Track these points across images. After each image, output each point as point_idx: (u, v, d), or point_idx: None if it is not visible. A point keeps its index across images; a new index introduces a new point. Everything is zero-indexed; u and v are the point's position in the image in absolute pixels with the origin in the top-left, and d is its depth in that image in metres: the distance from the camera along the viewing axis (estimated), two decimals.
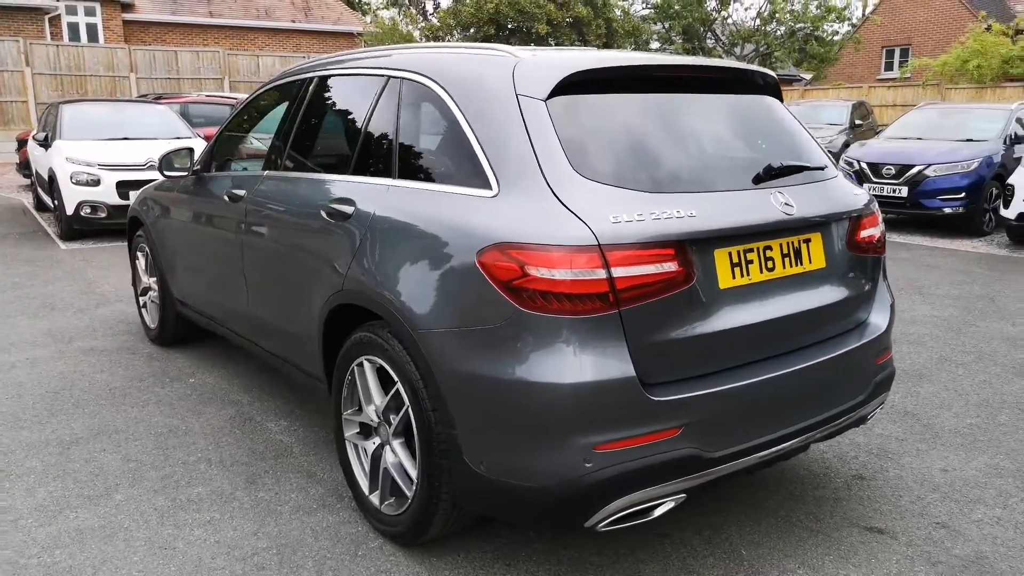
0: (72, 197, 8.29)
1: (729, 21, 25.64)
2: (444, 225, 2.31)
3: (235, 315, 3.68)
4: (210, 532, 2.71)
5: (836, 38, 25.82)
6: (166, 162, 3.98)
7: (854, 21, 24.80)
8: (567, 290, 2.01)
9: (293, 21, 26.58)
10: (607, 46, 22.32)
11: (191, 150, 4.02)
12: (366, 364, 2.63)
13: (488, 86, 2.41)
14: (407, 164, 2.62)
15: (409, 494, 2.49)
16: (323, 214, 2.83)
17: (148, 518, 2.80)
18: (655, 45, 24.95)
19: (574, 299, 2.01)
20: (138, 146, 8.79)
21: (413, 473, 2.46)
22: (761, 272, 2.31)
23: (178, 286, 4.35)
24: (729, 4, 24.94)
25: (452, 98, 2.48)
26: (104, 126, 9.27)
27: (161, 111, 9.96)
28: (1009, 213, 8.52)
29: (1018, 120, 10.44)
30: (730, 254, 2.24)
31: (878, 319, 2.72)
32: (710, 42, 25.73)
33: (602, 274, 2.01)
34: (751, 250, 2.29)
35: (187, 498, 2.95)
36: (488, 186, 2.26)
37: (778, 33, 25.00)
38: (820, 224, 2.49)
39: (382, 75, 2.88)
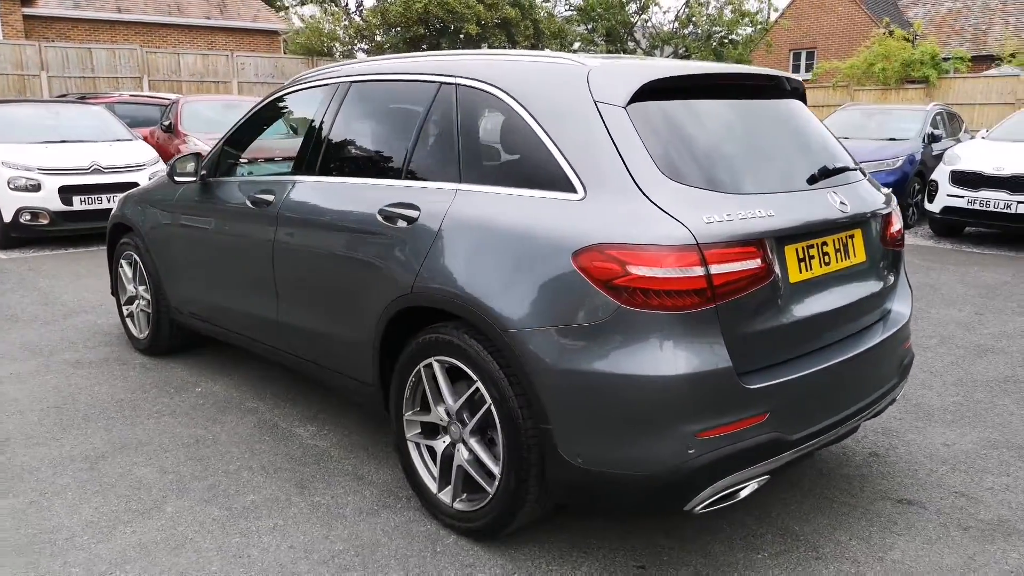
0: (10, 203, 7.86)
1: (649, 24, 26.34)
2: (531, 227, 2.39)
3: (259, 323, 3.64)
4: (280, 538, 2.71)
5: (748, 39, 26.83)
6: (177, 167, 3.88)
7: (765, 26, 25.84)
8: (669, 287, 2.14)
9: (207, 18, 25.76)
10: (534, 47, 22.59)
11: (198, 155, 3.93)
12: (435, 365, 2.69)
13: (562, 93, 2.51)
14: (473, 169, 2.69)
15: (490, 489, 2.56)
16: (379, 218, 2.87)
17: (209, 528, 2.77)
18: (577, 46, 25.38)
19: (674, 295, 2.14)
20: (78, 149, 8.41)
21: (494, 469, 2.53)
22: (820, 266, 2.50)
23: (179, 294, 4.25)
24: (648, 8, 25.62)
25: (522, 105, 2.57)
26: (38, 128, 8.80)
27: (97, 112, 9.54)
28: (934, 207, 9.16)
29: (933, 120, 11.22)
30: (797, 250, 2.42)
31: (903, 308, 2.96)
32: (631, 45, 26.37)
33: (700, 271, 2.14)
34: (812, 246, 2.47)
35: (242, 506, 2.92)
36: (572, 190, 2.36)
37: (695, 36, 25.84)
38: (863, 221, 2.70)
39: (432, 81, 2.93)
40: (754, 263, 2.24)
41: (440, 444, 2.76)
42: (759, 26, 25.24)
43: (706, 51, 25.63)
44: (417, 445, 2.87)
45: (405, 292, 2.71)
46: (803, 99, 3.05)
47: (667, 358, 2.15)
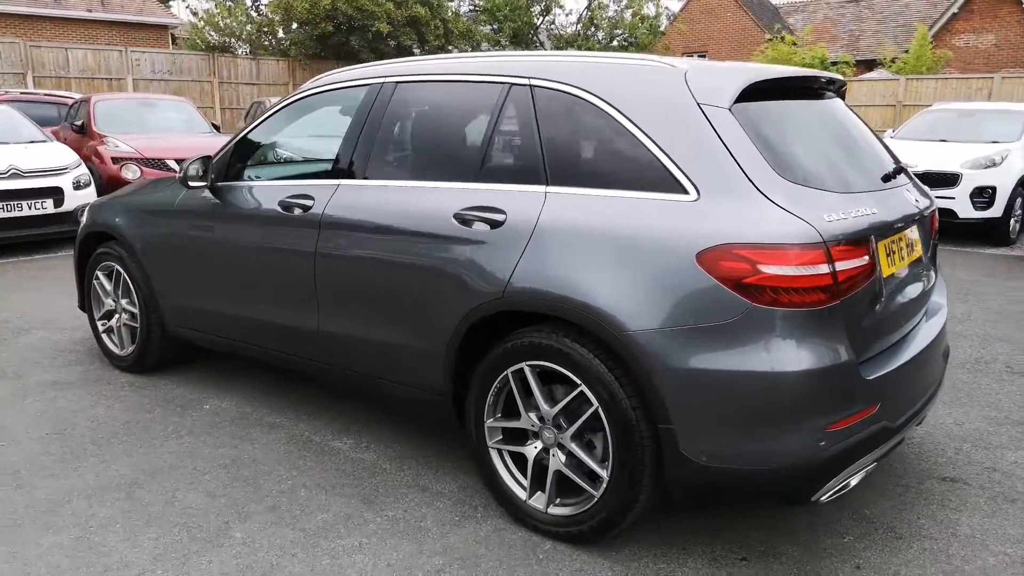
0: None
1: (553, 27, 26.73)
2: (644, 229, 2.39)
3: (290, 333, 3.46)
4: (372, 557, 2.60)
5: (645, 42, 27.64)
6: (191, 172, 3.63)
7: (663, 29, 26.72)
8: (799, 285, 2.20)
9: (89, 10, 24.21)
10: (444, 48, 22.48)
11: (208, 158, 3.69)
12: (527, 369, 2.65)
13: (661, 96, 2.53)
14: (562, 171, 2.66)
15: (595, 492, 2.55)
16: (454, 222, 2.80)
17: (291, 551, 2.63)
18: (484, 46, 25.43)
19: (804, 292, 2.21)
20: None
21: (600, 471, 2.52)
22: (900, 261, 2.63)
23: (180, 305, 3.98)
24: (551, 10, 25.98)
25: (615, 107, 2.57)
26: None
27: (4, 112, 8.78)
28: None
29: None
30: (886, 245, 2.53)
31: (943, 299, 3.16)
32: (536, 46, 26.66)
33: (827, 269, 2.22)
34: (894, 242, 2.60)
35: (316, 526, 2.78)
36: (683, 191, 2.38)
37: (598, 38, 26.43)
38: (922, 218, 2.86)
39: (500, 83, 2.88)
40: (866, 259, 2.34)
41: (531, 449, 2.72)
42: (658, 31, 26.04)
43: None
44: (500, 452, 2.82)
45: (494, 297, 2.66)
46: (843, 97, 3.18)
47: (800, 354, 2.21)
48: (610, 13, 26.31)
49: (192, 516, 2.85)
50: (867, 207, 2.43)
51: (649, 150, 2.47)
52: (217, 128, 11.21)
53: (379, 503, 2.96)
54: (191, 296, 3.91)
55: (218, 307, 3.79)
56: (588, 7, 26.04)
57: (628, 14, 25.69)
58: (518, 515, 2.78)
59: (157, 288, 4.06)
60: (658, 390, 2.33)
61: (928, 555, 2.64)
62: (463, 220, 2.78)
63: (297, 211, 3.33)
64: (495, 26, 25.34)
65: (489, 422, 2.81)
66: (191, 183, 3.66)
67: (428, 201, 2.93)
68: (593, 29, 26.42)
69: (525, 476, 2.76)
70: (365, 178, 3.20)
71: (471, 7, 25.80)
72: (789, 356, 2.21)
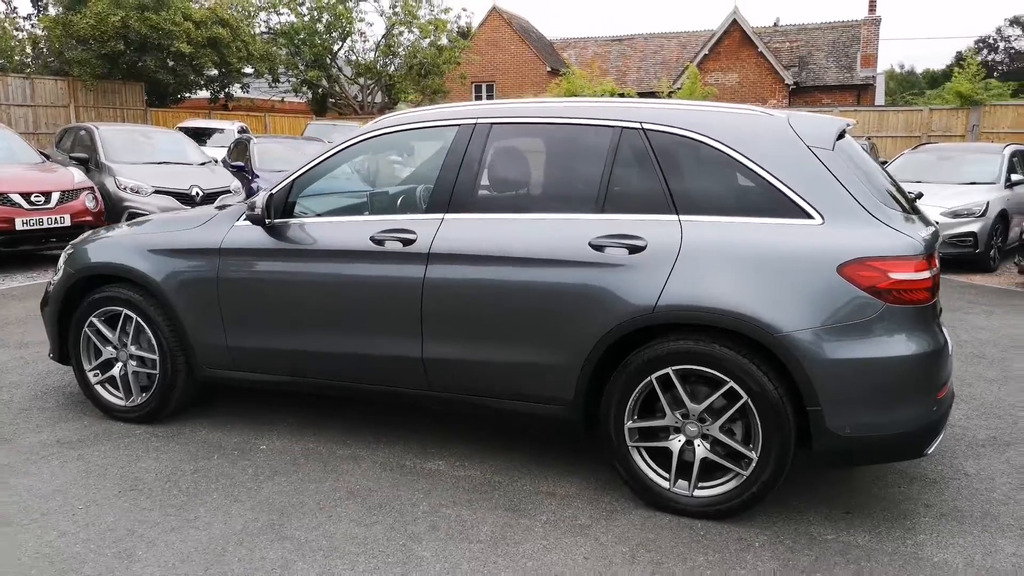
0: None
1: (352, 53, 26.70)
2: (785, 248, 2.94)
3: (380, 364, 3.55)
4: (564, 552, 2.86)
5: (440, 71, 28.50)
6: (258, 212, 3.58)
7: (458, 58, 27.73)
8: (916, 287, 2.87)
9: None
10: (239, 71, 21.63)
11: (272, 195, 3.64)
12: (672, 373, 3.07)
13: (774, 139, 3.10)
14: (690, 202, 3.12)
15: (744, 472, 3.03)
16: (589, 249, 3.15)
17: (490, 559, 2.81)
18: (283, 69, 24.81)
19: (918, 292, 2.88)
20: None
21: (749, 453, 3.01)
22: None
23: (225, 346, 3.83)
24: (349, 36, 25.98)
25: (732, 148, 3.09)
26: None
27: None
28: None
29: None
30: None
31: None
32: (335, 71, 26.48)
33: (928, 274, 2.91)
34: None
35: (489, 537, 2.98)
36: (809, 216, 2.97)
37: (393, 67, 26.78)
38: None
39: (610, 126, 3.29)
40: (937, 266, 3.07)
41: (675, 443, 3.14)
42: (454, 60, 26.98)
43: (408, 80, 26.77)
44: (639, 449, 3.20)
45: (643, 312, 3.05)
46: None
47: (920, 341, 2.88)
48: (404, 38, 26.81)
49: (366, 544, 2.91)
50: (925, 226, 3.17)
51: (772, 184, 3.03)
52: (47, 157, 10.10)
53: (526, 511, 3.20)
54: (243, 336, 3.81)
55: (283, 344, 3.74)
56: (385, 35, 26.38)
57: (426, 43, 26.38)
58: (659, 503, 3.18)
59: (191, 331, 3.89)
60: (809, 379, 2.88)
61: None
62: (598, 247, 3.15)
63: (393, 244, 3.46)
64: (292, 49, 24.83)
65: (629, 424, 3.18)
66: (271, 221, 3.62)
67: (556, 231, 3.25)
68: (394, 57, 26.79)
69: (665, 468, 3.17)
70: (471, 212, 3.43)
71: (266, 29, 25.03)
72: (917, 342, 2.87)
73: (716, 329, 3.02)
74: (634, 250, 3.11)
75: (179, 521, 3.07)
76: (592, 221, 3.22)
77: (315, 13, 24.68)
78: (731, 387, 2.99)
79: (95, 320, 4.09)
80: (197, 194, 10.26)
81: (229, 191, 10.66)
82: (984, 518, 3.18)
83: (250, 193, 10.85)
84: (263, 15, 24.79)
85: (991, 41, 57.74)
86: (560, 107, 3.49)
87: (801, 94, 30.28)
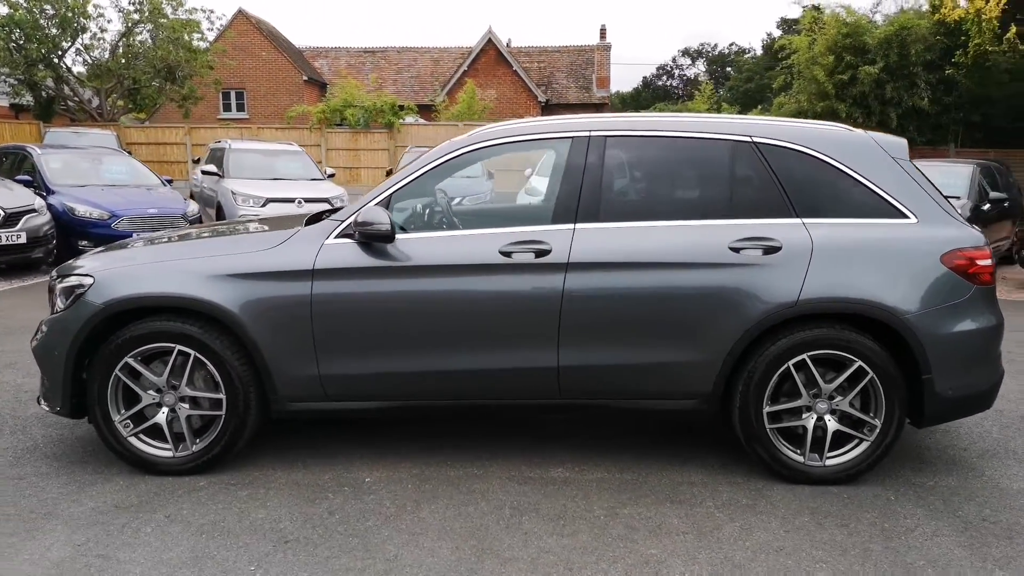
0: None
1: (85, 52, 23.68)
2: (898, 243, 3.47)
3: (516, 376, 3.50)
4: (765, 534, 3.12)
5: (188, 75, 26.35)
6: (383, 228, 3.34)
7: (213, 63, 25.75)
8: (988, 271, 3.55)
9: None
10: None
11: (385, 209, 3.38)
12: (807, 359, 3.47)
13: (866, 152, 3.62)
14: (806, 206, 3.53)
15: (869, 438, 3.51)
16: (728, 252, 3.44)
17: (692, 554, 2.98)
18: (5, 71, 21.29)
19: (989, 275, 3.57)
20: None
21: (874, 421, 3.50)
22: None
23: (317, 375, 3.48)
24: (79, 36, 23.03)
25: (833, 159, 3.57)
26: None
27: None
28: None
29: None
30: None
31: None
32: (64, 72, 23.31)
33: (991, 260, 3.61)
34: None
35: (686, 529, 3.13)
36: (906, 216, 3.54)
37: (135, 69, 24.23)
38: None
39: (722, 139, 3.61)
40: None
41: (809, 421, 3.53)
42: (207, 65, 25.11)
43: (155, 85, 24.43)
44: (777, 431, 3.54)
45: (786, 306, 3.40)
46: None
47: (995, 313, 3.58)
48: (149, 41, 24.41)
49: (595, 552, 2.92)
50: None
51: (872, 189, 3.55)
52: None
53: (687, 501, 3.39)
54: (343, 363, 3.50)
55: (394, 367, 3.51)
56: (126, 34, 23.77)
57: (173, 46, 24.22)
58: (796, 476, 3.55)
59: (272, 363, 3.48)
60: (925, 352, 3.43)
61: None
62: (735, 249, 3.45)
63: (523, 256, 3.45)
64: (13, 46, 21.43)
65: (767, 408, 3.52)
66: (402, 235, 3.38)
67: (694, 237, 3.48)
68: (132, 58, 24.21)
69: (793, 446, 3.55)
70: (601, 221, 3.53)
71: None
72: (992, 316, 3.56)
73: (843, 316, 3.48)
74: (769, 251, 3.45)
75: (386, 564, 2.82)
76: (725, 226, 3.51)
77: (34, 3, 21.51)
78: (859, 366, 3.46)
79: (130, 360, 3.49)
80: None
81: (34, 210, 9.12)
82: None
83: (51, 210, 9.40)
84: None
85: (668, 68, 66.69)
86: (669, 121, 3.72)
87: (549, 111, 32.71)
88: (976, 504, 3.40)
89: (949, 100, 18.35)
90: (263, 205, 11.03)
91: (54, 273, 3.83)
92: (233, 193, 11.17)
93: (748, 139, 3.61)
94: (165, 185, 11.35)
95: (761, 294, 3.42)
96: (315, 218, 3.98)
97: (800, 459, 3.56)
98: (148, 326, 3.47)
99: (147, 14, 23.46)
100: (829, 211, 3.58)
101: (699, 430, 4.19)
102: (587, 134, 3.63)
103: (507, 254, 3.46)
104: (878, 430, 3.51)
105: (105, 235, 9.59)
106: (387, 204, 3.57)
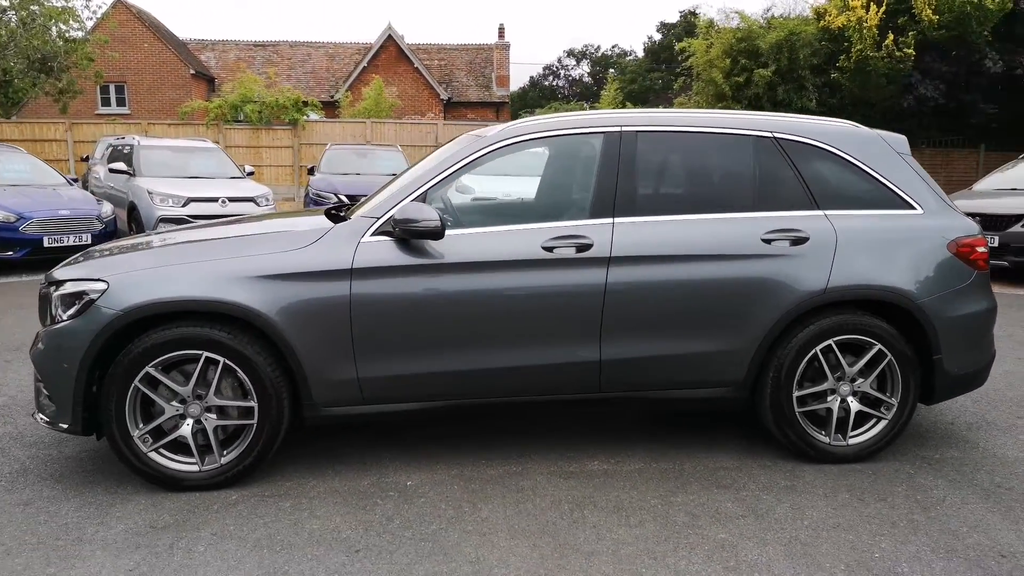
0: None
1: None
2: (909, 232, 3.69)
3: (557, 371, 3.49)
4: (817, 513, 3.25)
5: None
6: (432, 226, 3.22)
7: (93, 55, 24.05)
8: (984, 257, 3.84)
9: None
10: None
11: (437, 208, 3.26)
12: (833, 344, 3.65)
13: (875, 148, 3.83)
14: (827, 198, 3.70)
15: (887, 416, 3.73)
16: (761, 243, 3.56)
17: (792, 534, 3.09)
18: None
19: (986, 262, 3.85)
20: None
21: (891, 400, 3.71)
22: None
23: (350, 378, 3.35)
24: None
25: (848, 154, 3.77)
26: None
27: None
28: None
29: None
30: None
31: None
32: None
33: (986, 248, 3.90)
34: None
35: (746, 513, 3.22)
36: (912, 207, 3.77)
37: (4, 59, 22.34)
38: None
39: (746, 134, 3.72)
40: None
41: (834, 403, 3.70)
42: (87, 57, 23.46)
43: (29, 77, 22.60)
44: (805, 415, 3.70)
45: (816, 294, 3.55)
46: None
47: (991, 297, 3.88)
48: (20, 29, 22.56)
49: (677, 541, 2.95)
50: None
51: (882, 182, 3.77)
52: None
53: (731, 486, 3.48)
54: (384, 364, 3.38)
55: (437, 366, 3.42)
56: None
57: (53, 34, 22.51)
58: (822, 456, 3.72)
59: (308, 367, 3.32)
60: (937, 334, 3.68)
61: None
62: (767, 241, 3.57)
63: (564, 251, 3.45)
64: None
65: (796, 393, 3.66)
66: (450, 232, 3.29)
67: (730, 229, 3.58)
68: (1, 48, 22.29)
69: (820, 427, 3.72)
70: (638, 215, 3.56)
71: None
72: (990, 299, 3.85)
73: (862, 302, 3.67)
74: (797, 242, 3.59)
75: (472, 567, 2.74)
76: (756, 218, 3.63)
77: None
78: (879, 349, 3.66)
79: (152, 370, 3.24)
80: None
81: None
82: None
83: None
84: None
85: (555, 68, 67.83)
86: (693, 117, 3.79)
87: (451, 109, 32.57)
88: (986, 473, 3.67)
89: (834, 102, 19.57)
90: (184, 205, 10.44)
91: (44, 280, 3.51)
92: (149, 192, 10.50)
93: (769, 135, 3.75)
94: (71, 184, 10.56)
95: (792, 283, 3.56)
96: (330, 214, 3.85)
97: (826, 440, 3.72)
98: (171, 332, 3.23)
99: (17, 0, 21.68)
100: (845, 203, 3.77)
101: (706, 418, 4.31)
102: (618, 129, 3.66)
103: (549, 249, 3.44)
104: (895, 408, 3.73)
105: (13, 239, 8.88)
106: (423, 200, 3.47)
